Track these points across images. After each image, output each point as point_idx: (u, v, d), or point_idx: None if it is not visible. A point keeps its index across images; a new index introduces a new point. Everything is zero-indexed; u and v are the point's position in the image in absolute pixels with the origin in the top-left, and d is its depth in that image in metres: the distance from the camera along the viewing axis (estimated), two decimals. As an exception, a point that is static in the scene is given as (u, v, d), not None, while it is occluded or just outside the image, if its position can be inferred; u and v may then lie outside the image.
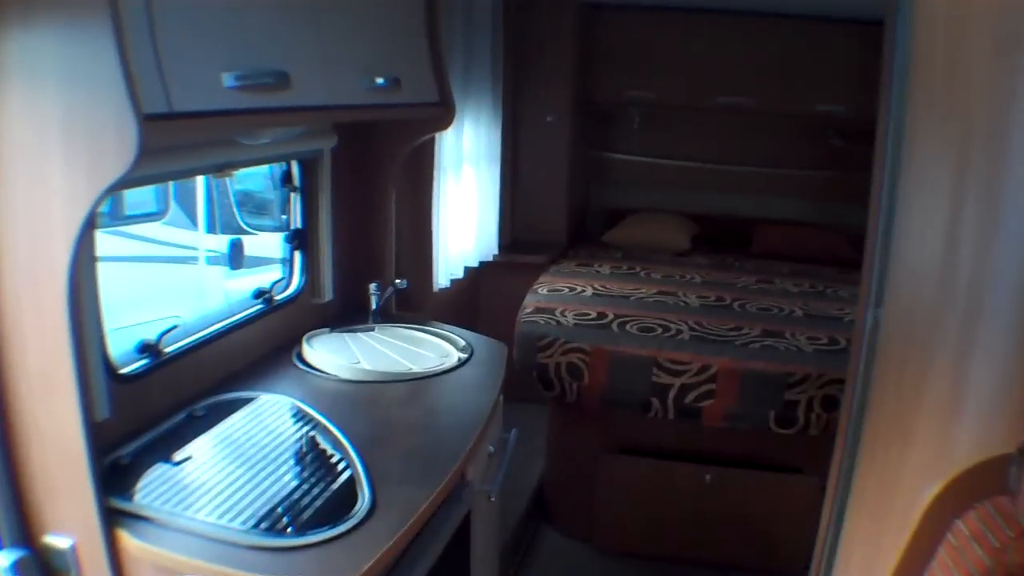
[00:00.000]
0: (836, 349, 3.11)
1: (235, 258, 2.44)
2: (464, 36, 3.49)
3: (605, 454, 3.22)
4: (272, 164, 2.43)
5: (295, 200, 2.48)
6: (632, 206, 5.19)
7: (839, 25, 4.52)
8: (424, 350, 2.41)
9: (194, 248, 2.59)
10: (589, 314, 3.38)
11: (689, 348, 3.08)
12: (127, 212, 2.12)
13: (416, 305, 3.05)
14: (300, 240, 2.49)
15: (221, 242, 2.62)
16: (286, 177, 2.46)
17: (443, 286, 3.46)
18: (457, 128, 3.48)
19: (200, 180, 2.46)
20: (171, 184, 2.26)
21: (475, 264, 3.95)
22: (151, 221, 2.30)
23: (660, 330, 3.23)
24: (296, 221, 2.49)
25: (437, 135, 3.14)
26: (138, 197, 2.16)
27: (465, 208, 3.71)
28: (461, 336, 2.50)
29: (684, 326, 3.27)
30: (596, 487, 3.22)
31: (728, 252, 4.79)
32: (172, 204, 2.43)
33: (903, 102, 1.59)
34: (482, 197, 3.97)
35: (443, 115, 2.51)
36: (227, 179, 2.51)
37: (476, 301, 4.43)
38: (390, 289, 2.71)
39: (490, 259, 4.16)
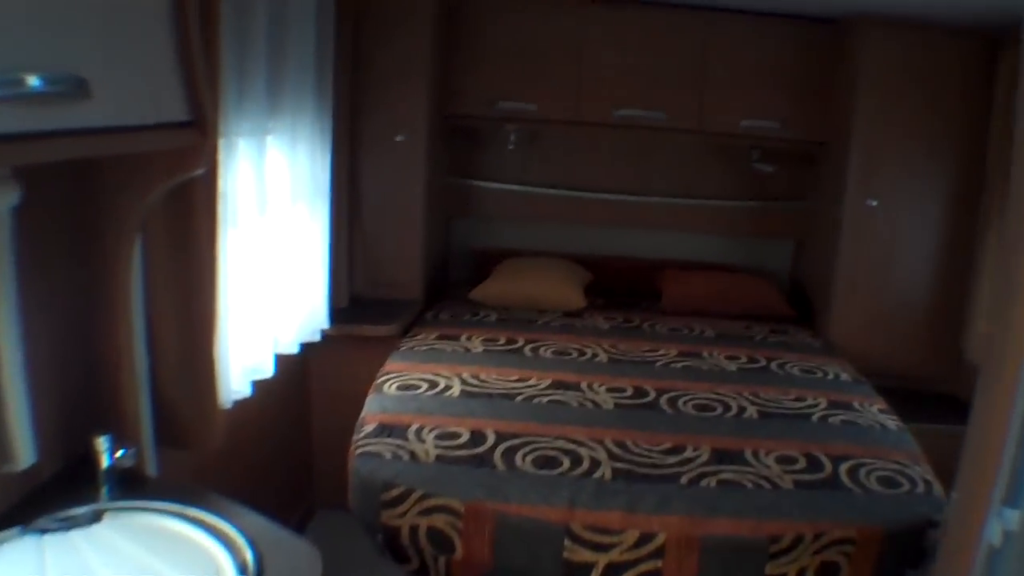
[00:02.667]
0: (821, 479, 2.35)
1: None
2: (270, 26, 2.54)
3: None
4: None
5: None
6: (508, 248, 4.41)
7: (773, 21, 3.87)
8: (174, 571, 1.46)
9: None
10: (459, 435, 2.50)
11: (618, 499, 2.24)
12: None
13: (192, 438, 2.10)
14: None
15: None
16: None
17: (241, 396, 2.49)
18: (258, 157, 2.54)
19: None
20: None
21: (294, 350, 2.97)
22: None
23: (568, 463, 2.38)
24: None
25: (225, 170, 2.20)
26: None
27: (275, 271, 2.75)
28: (244, 531, 1.56)
29: (602, 452, 2.44)
30: None
31: (633, 308, 4.07)
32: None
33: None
34: (303, 251, 3.03)
35: (197, 143, 1.59)
36: None
37: (304, 406, 3.47)
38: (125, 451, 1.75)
39: (318, 338, 3.19)
